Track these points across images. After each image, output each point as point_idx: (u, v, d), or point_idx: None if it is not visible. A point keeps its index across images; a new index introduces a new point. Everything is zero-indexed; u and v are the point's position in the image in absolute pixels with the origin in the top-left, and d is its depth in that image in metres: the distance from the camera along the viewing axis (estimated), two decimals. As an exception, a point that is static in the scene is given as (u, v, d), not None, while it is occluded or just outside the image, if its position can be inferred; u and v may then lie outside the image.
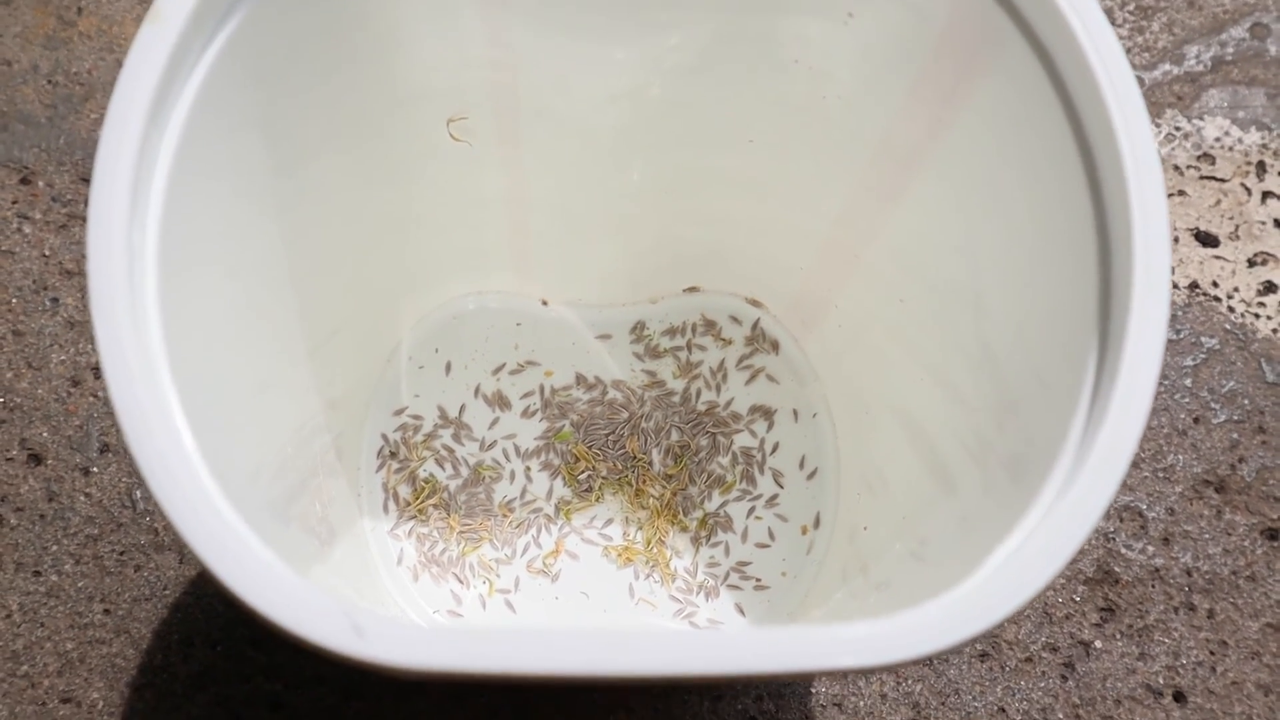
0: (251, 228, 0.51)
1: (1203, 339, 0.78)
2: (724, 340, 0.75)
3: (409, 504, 0.71)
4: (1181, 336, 0.78)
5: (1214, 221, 0.81)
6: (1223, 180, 0.82)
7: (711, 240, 0.71)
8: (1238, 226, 0.81)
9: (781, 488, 0.72)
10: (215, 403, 0.45)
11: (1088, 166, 0.43)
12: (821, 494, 0.72)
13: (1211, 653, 0.71)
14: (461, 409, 0.73)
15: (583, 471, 0.72)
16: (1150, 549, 0.73)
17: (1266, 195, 0.82)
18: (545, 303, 0.75)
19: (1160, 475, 0.74)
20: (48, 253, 0.76)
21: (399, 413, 0.73)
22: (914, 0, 0.49)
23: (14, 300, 0.75)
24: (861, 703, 0.69)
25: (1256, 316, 0.78)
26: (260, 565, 0.37)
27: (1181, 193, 0.82)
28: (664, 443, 0.73)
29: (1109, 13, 0.87)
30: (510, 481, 0.72)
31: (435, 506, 0.71)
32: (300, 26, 0.48)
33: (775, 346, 0.75)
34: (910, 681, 0.70)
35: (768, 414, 0.73)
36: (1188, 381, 0.77)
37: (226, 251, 0.48)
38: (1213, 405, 0.76)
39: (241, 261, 0.50)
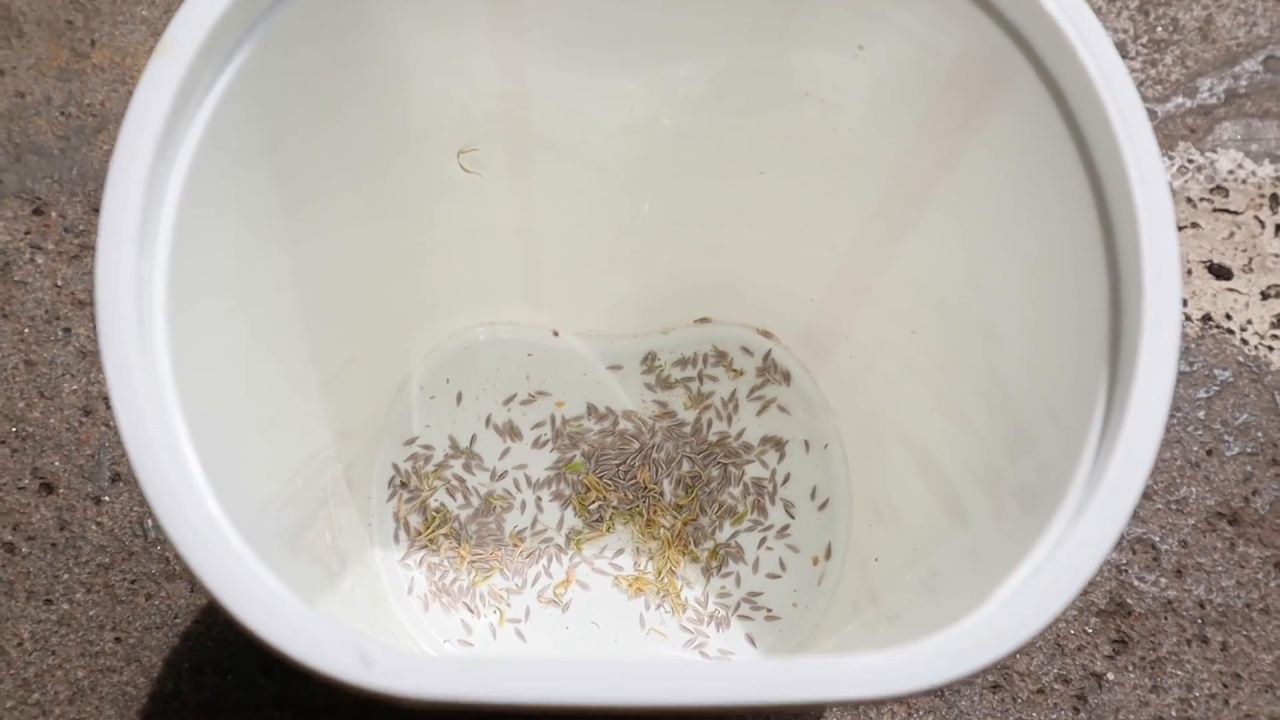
0: (261, 261, 0.51)
1: (1216, 371, 0.78)
2: (735, 371, 0.75)
3: (420, 533, 0.71)
4: (1195, 369, 0.78)
5: (1227, 254, 0.81)
6: (1236, 213, 0.82)
7: (723, 271, 0.71)
8: (1251, 259, 0.81)
9: (793, 518, 0.72)
10: (225, 434, 0.45)
11: (1098, 200, 0.43)
12: (833, 525, 0.72)
13: (1224, 685, 0.71)
14: (472, 439, 0.73)
15: (594, 501, 0.72)
16: (1163, 581, 0.73)
17: None
18: (556, 333, 0.75)
19: (1173, 507, 0.74)
20: (60, 283, 0.76)
21: (410, 442, 0.73)
22: (925, 34, 0.49)
23: (26, 330, 0.75)
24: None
25: (1270, 349, 0.78)
26: (269, 596, 0.37)
27: (1195, 225, 0.82)
28: (675, 473, 0.72)
29: (1122, 45, 0.87)
30: (521, 511, 0.72)
31: (446, 536, 0.71)
32: (309, 61, 0.48)
33: (787, 377, 0.75)
34: (921, 713, 0.69)
35: (779, 445, 0.73)
36: (1201, 414, 0.77)
37: (236, 284, 0.49)
38: (1226, 438, 0.76)
39: (251, 294, 0.51)
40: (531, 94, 0.58)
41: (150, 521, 0.71)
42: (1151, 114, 0.85)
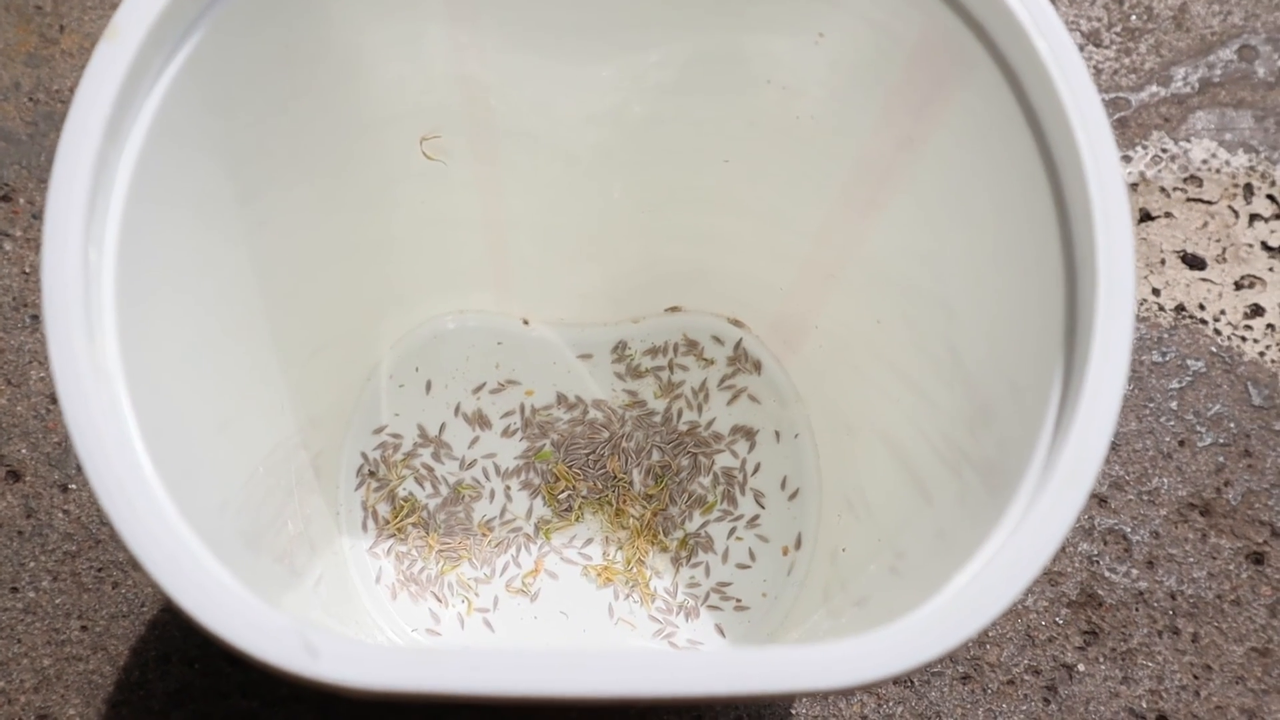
0: (218, 251, 0.51)
1: (1189, 362, 0.77)
2: (706, 360, 0.75)
3: (388, 522, 0.70)
4: (1168, 359, 0.78)
5: (1201, 244, 0.81)
6: (1210, 203, 0.82)
7: (693, 260, 0.71)
8: (1225, 249, 0.81)
9: (763, 508, 0.72)
10: (180, 426, 0.44)
11: (1053, 182, 0.43)
12: (803, 515, 0.71)
13: (1195, 677, 0.71)
14: (442, 428, 0.73)
15: (563, 491, 0.71)
16: (1134, 572, 0.72)
17: (1254, 218, 0.82)
18: (526, 322, 0.75)
19: (1145, 498, 0.74)
20: (27, 270, 0.76)
21: (379, 431, 0.72)
22: (883, 20, 0.49)
23: (-5, 316, 0.75)
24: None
25: (1243, 339, 0.78)
26: (214, 584, 0.37)
27: (1168, 215, 0.82)
28: (645, 463, 0.72)
29: (1095, 34, 0.87)
30: (490, 501, 0.71)
31: (414, 525, 0.70)
32: (261, 48, 0.47)
33: (757, 367, 0.75)
34: (891, 704, 0.69)
35: (749, 434, 0.73)
36: (1173, 404, 0.76)
37: (192, 275, 0.48)
38: (1199, 428, 0.76)
39: (209, 286, 0.50)
40: (494, 82, 0.57)
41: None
42: (1125, 103, 0.85)
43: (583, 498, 0.71)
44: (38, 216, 0.77)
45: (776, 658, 0.36)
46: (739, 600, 0.70)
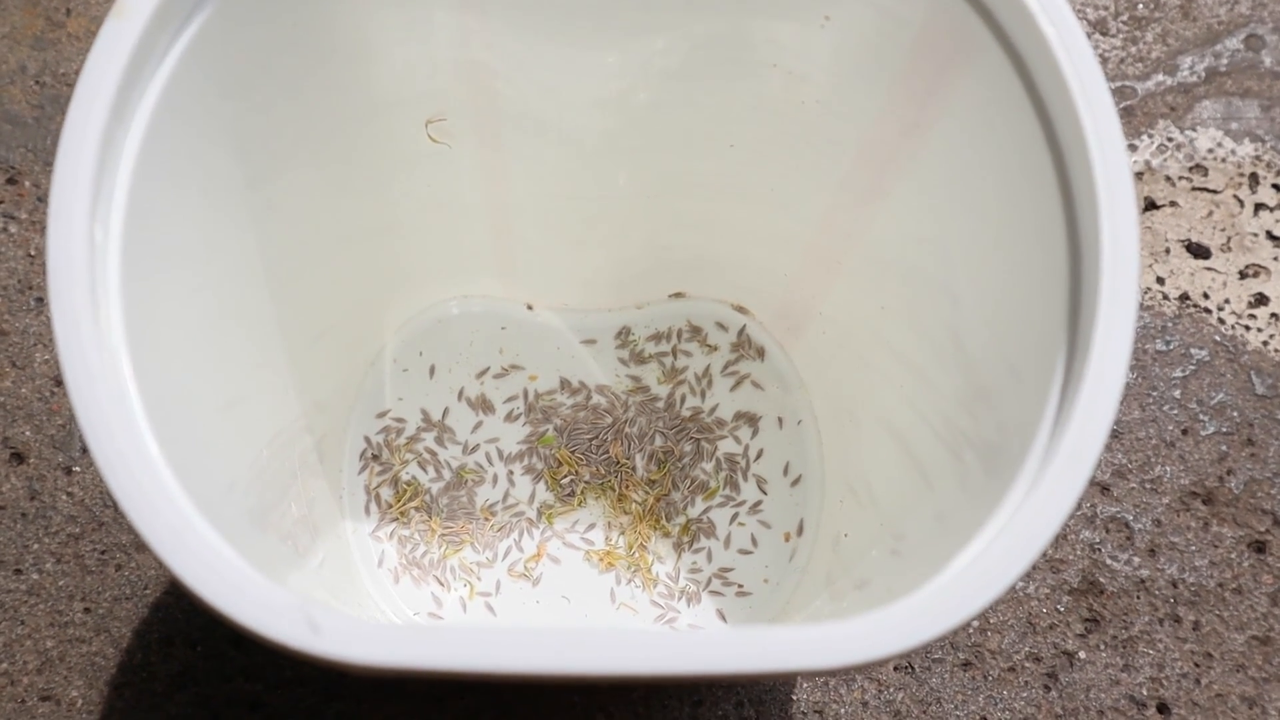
0: (223, 234, 0.51)
1: (1192, 350, 0.77)
2: (709, 346, 0.75)
3: (391, 506, 0.70)
4: (1171, 348, 0.78)
5: (1206, 233, 0.81)
6: (1215, 192, 0.82)
7: (697, 246, 0.71)
8: (1229, 238, 0.81)
9: (765, 494, 0.72)
10: (184, 404, 0.45)
11: (1059, 168, 0.43)
12: (805, 501, 0.71)
13: (1196, 665, 0.71)
14: (445, 412, 0.73)
15: (565, 476, 0.72)
16: (1136, 560, 0.73)
17: (1259, 207, 0.82)
18: (530, 307, 0.75)
19: (1148, 486, 0.74)
20: (33, 252, 0.76)
21: (382, 415, 0.72)
22: (889, 5, 0.49)
23: None
24: (843, 710, 0.69)
25: (1247, 329, 0.78)
26: (219, 560, 0.37)
27: (1173, 204, 0.82)
28: (648, 448, 0.72)
29: (1102, 22, 0.87)
30: (493, 485, 0.72)
31: (417, 509, 0.70)
32: (266, 31, 0.47)
33: (761, 353, 0.75)
34: (892, 690, 0.69)
35: (752, 420, 0.73)
36: (1176, 393, 0.76)
37: (197, 257, 0.48)
38: (1201, 417, 0.76)
39: (214, 268, 0.50)
40: (500, 67, 0.57)
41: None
42: (1131, 92, 0.85)
43: (585, 483, 0.71)
44: (43, 199, 0.77)
45: (777, 637, 0.36)
46: (741, 586, 0.70)
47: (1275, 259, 0.80)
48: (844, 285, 0.66)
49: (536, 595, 0.69)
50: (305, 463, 0.64)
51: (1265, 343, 0.78)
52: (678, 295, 0.75)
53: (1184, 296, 0.79)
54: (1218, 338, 0.78)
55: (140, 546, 0.70)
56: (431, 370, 0.74)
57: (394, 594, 0.69)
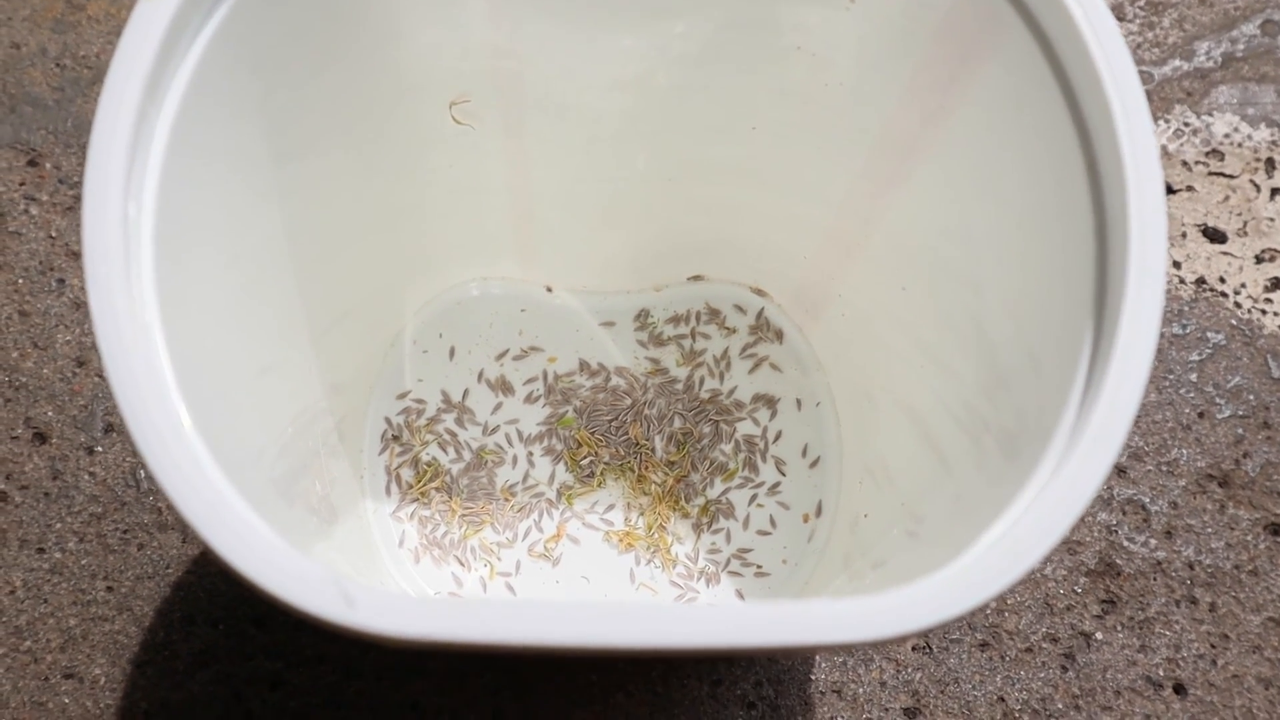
0: (252, 213, 0.51)
1: (1209, 334, 0.78)
2: (728, 329, 0.75)
3: (411, 487, 0.71)
4: (1188, 331, 0.78)
5: (1222, 217, 0.81)
6: (1231, 176, 0.82)
7: (716, 228, 0.71)
8: (1246, 223, 0.81)
9: (784, 475, 0.72)
10: (215, 380, 0.45)
11: (1086, 152, 0.43)
12: (824, 482, 0.72)
13: (1212, 646, 0.71)
14: (465, 394, 0.73)
15: (585, 457, 0.72)
16: (1153, 542, 0.73)
17: (1275, 192, 0.82)
18: (549, 289, 0.75)
19: (1164, 469, 0.74)
20: (54, 234, 0.76)
21: (402, 396, 0.73)
22: (915, -15, 0.49)
23: (20, 281, 0.75)
24: (861, 690, 0.69)
25: (1263, 312, 0.78)
26: (254, 535, 0.37)
27: (1190, 188, 0.82)
28: (667, 429, 0.73)
29: (1119, 8, 0.87)
30: (512, 466, 0.72)
31: (437, 490, 0.71)
32: (297, 11, 0.48)
33: (779, 335, 0.75)
34: (910, 670, 0.70)
35: (771, 402, 0.73)
36: (1193, 376, 0.77)
37: (227, 235, 0.49)
38: (1218, 400, 0.76)
39: (243, 246, 0.51)
40: (525, 49, 0.58)
41: (143, 471, 0.72)
42: (1148, 77, 0.85)
43: (605, 464, 0.72)
44: (64, 181, 0.78)
45: (797, 611, 0.37)
46: (759, 566, 0.70)
47: (1292, 243, 0.80)
48: (863, 269, 0.66)
49: (556, 575, 0.70)
50: (326, 443, 0.64)
51: (1281, 326, 0.78)
52: (696, 278, 0.76)
53: (1200, 280, 0.79)
54: (1234, 321, 0.78)
55: (163, 526, 0.71)
56: (451, 352, 0.74)
57: (415, 574, 0.69)
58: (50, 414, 0.72)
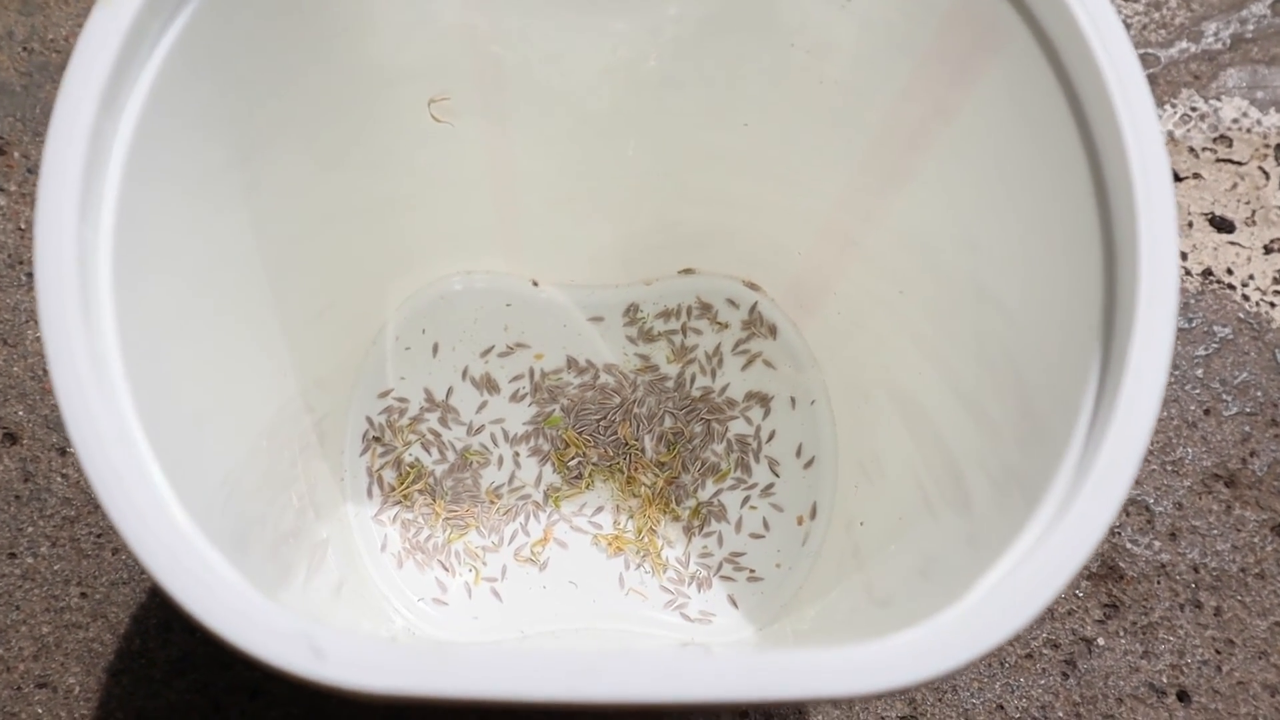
0: (219, 218, 0.49)
1: (1215, 328, 0.76)
2: (720, 324, 0.73)
3: (394, 489, 0.69)
4: (1194, 325, 0.76)
5: (1230, 206, 0.79)
6: (1240, 163, 0.80)
7: (708, 220, 0.69)
8: (1254, 211, 0.79)
9: (777, 477, 0.70)
10: (179, 405, 0.43)
11: (1091, 158, 0.42)
12: (818, 484, 0.70)
13: (1217, 651, 0.69)
14: (449, 392, 0.71)
15: (573, 458, 0.70)
16: (1157, 544, 0.71)
17: (1284, 178, 0.80)
18: (536, 283, 0.73)
19: (1169, 468, 0.73)
20: (23, 226, 0.74)
21: (384, 395, 0.71)
22: (916, -14, 0.47)
23: (-10, 274, 0.73)
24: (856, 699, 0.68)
25: (1272, 305, 0.76)
26: (217, 582, 0.36)
27: (1196, 176, 0.79)
28: (657, 429, 0.71)
29: (1125, -14, 0.84)
30: (498, 467, 0.70)
31: (421, 492, 0.69)
32: (260, 10, 0.45)
33: (773, 331, 0.73)
34: (906, 678, 0.68)
35: (764, 401, 0.72)
36: (1199, 372, 0.75)
37: (191, 245, 0.46)
38: (1224, 397, 0.74)
39: (209, 253, 0.48)
40: (504, 34, 0.56)
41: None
42: (1154, 59, 0.83)
43: (593, 465, 0.70)
44: (33, 170, 0.75)
45: (797, 661, 0.35)
46: (752, 571, 0.69)
47: (1301, 233, 0.78)
48: (861, 266, 0.64)
49: (543, 580, 0.68)
50: (306, 445, 0.63)
51: (1290, 319, 0.76)
52: (687, 271, 0.74)
53: (1207, 272, 0.77)
54: (1241, 315, 0.76)
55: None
56: (435, 348, 0.72)
57: (397, 579, 0.67)
58: (21, 413, 0.70)
